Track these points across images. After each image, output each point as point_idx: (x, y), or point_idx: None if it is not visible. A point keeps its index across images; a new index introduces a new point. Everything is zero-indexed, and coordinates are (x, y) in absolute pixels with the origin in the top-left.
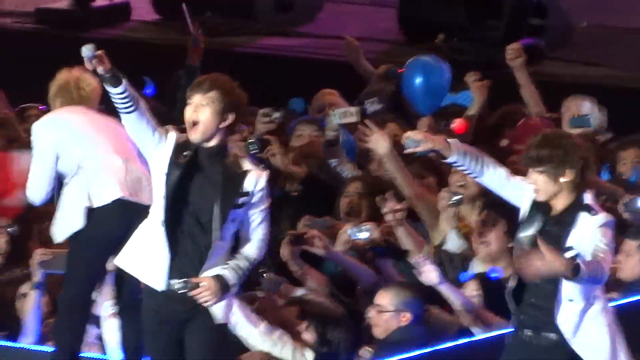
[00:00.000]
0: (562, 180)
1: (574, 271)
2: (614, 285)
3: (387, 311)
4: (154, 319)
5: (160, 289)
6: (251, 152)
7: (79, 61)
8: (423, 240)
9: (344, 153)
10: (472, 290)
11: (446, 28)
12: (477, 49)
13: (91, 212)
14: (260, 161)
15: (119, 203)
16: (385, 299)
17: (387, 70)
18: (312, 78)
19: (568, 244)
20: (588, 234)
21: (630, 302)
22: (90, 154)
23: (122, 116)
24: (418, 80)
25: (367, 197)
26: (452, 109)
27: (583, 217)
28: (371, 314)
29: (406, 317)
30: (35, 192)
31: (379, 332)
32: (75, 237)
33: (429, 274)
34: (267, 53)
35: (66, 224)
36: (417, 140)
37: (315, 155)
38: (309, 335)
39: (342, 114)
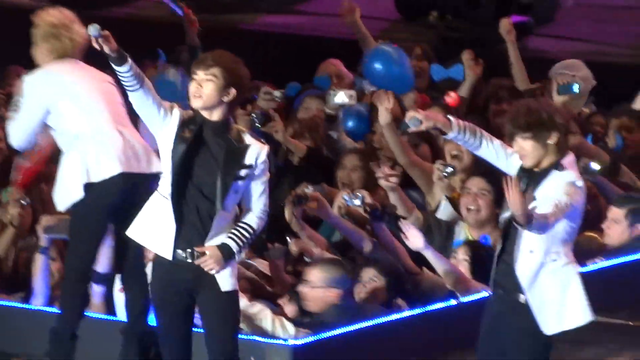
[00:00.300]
0: (549, 142)
1: (526, 219)
2: (599, 251)
3: (316, 287)
4: (163, 287)
5: (168, 258)
6: (255, 125)
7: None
8: (413, 206)
9: (342, 128)
10: (461, 255)
11: (440, 6)
12: (469, 26)
13: (90, 186)
14: (263, 135)
15: (117, 176)
16: (315, 275)
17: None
18: (312, 55)
19: (536, 195)
20: (554, 188)
21: (613, 264)
22: (88, 123)
23: (129, 94)
24: (379, 68)
25: (362, 169)
26: (446, 83)
27: (553, 173)
28: (302, 289)
29: (335, 294)
30: (18, 138)
31: (311, 306)
32: (75, 207)
33: (415, 240)
34: (269, 30)
35: (65, 194)
36: (419, 120)
37: (317, 129)
38: (290, 308)
39: (339, 96)
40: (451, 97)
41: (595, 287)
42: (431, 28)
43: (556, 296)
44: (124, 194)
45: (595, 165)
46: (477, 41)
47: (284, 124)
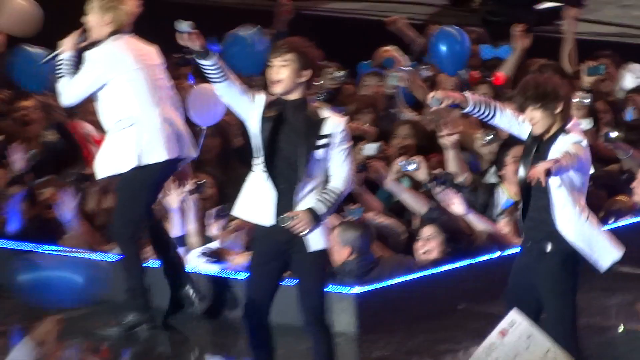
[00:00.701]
0: (555, 112)
1: (555, 162)
2: (629, 211)
3: (335, 244)
4: (262, 249)
5: (269, 224)
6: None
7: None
8: (466, 166)
9: (402, 101)
10: (507, 216)
11: None
12: (510, 10)
13: (138, 167)
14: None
15: (163, 162)
16: (335, 234)
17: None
18: (373, 38)
19: (549, 158)
20: (563, 148)
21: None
22: (141, 108)
23: (215, 85)
24: (444, 49)
25: (414, 137)
26: (493, 62)
27: (560, 137)
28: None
29: (347, 252)
30: (69, 98)
31: (333, 260)
32: (123, 182)
33: (457, 207)
34: (334, 15)
35: (111, 166)
36: (440, 99)
37: (376, 104)
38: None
39: (396, 77)
40: (498, 76)
41: (623, 242)
42: (474, 12)
43: (598, 236)
44: (168, 174)
45: (613, 133)
46: (516, 24)
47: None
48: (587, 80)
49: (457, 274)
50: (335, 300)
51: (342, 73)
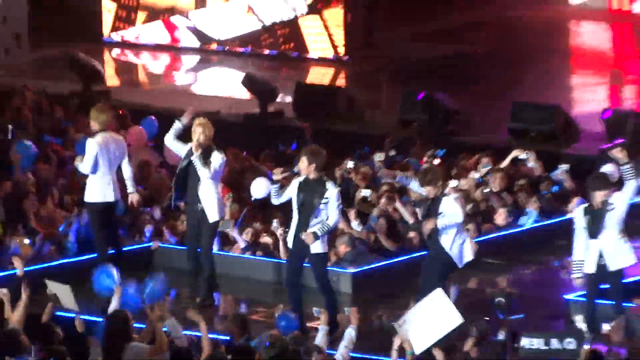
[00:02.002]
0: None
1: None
2: None
3: (338, 244)
4: (293, 253)
5: (291, 244)
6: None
7: None
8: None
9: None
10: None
11: None
12: None
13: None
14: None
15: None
16: (339, 239)
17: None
18: None
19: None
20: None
21: None
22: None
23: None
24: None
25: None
26: None
27: (444, 199)
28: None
29: (342, 248)
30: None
31: (338, 253)
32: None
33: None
34: None
35: (218, 211)
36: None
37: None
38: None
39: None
40: None
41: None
42: None
43: (464, 249)
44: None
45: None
46: None
47: None
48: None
49: (416, 262)
50: (340, 276)
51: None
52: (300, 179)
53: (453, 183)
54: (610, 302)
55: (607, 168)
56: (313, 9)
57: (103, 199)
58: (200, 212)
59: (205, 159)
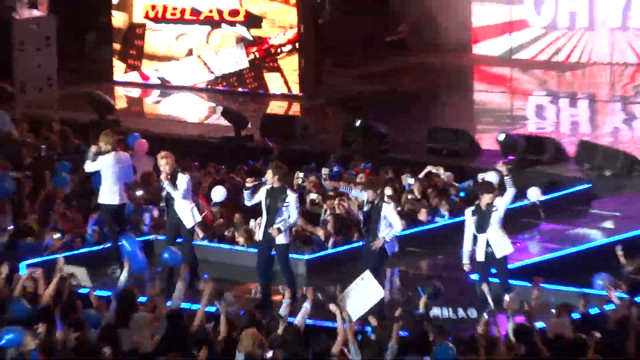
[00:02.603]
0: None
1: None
2: None
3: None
4: (262, 246)
5: (261, 237)
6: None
7: None
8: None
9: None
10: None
11: None
12: None
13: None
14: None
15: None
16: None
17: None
18: None
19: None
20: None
21: None
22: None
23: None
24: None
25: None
26: None
27: (384, 205)
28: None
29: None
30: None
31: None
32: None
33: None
34: None
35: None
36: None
37: None
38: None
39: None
40: None
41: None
42: None
43: (393, 240)
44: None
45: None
46: None
47: None
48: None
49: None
50: (297, 261)
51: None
52: (268, 187)
53: (388, 191)
54: (498, 281)
55: (491, 177)
56: (253, 64)
57: (111, 202)
58: (178, 222)
59: (174, 183)
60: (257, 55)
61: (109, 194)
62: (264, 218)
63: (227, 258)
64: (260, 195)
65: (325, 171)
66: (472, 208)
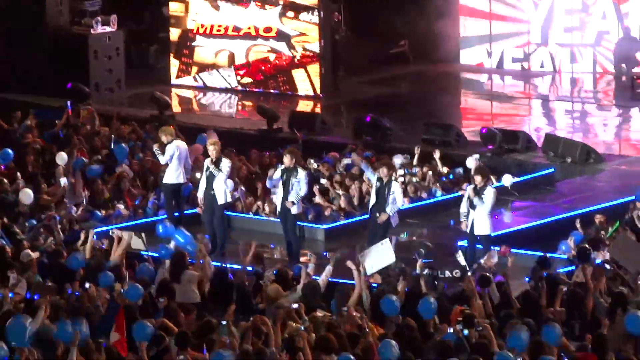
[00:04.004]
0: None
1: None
2: None
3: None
4: (282, 216)
5: (279, 209)
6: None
7: None
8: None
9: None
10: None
11: None
12: None
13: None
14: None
15: None
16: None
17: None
18: None
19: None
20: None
21: None
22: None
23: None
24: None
25: None
26: None
27: (393, 183)
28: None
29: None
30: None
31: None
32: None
33: None
34: None
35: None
36: None
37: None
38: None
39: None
40: None
41: None
42: None
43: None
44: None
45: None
46: None
47: None
48: None
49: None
50: (311, 232)
51: None
52: (282, 167)
53: (401, 172)
54: (480, 247)
55: (470, 162)
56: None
57: (175, 181)
58: (213, 198)
59: (217, 166)
60: (286, 64)
61: (172, 175)
62: (280, 193)
63: (256, 226)
64: (277, 174)
65: (344, 161)
66: (472, 186)
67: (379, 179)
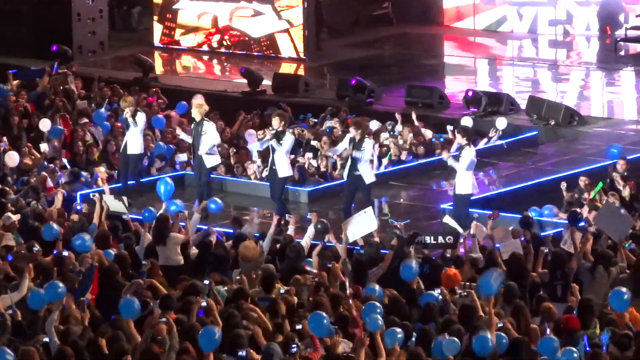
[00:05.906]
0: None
1: None
2: None
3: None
4: (270, 179)
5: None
6: None
7: None
8: None
9: None
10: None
11: None
12: None
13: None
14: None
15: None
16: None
17: None
18: None
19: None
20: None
21: None
22: None
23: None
24: None
25: None
26: None
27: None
28: None
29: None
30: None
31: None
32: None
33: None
34: None
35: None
36: None
37: None
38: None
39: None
40: None
41: None
42: None
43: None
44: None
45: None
46: None
47: None
48: None
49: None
50: (295, 195)
51: None
52: (273, 131)
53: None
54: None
55: (466, 121)
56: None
57: (140, 151)
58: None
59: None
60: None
61: (137, 144)
62: (271, 155)
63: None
64: (267, 137)
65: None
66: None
67: (351, 140)
